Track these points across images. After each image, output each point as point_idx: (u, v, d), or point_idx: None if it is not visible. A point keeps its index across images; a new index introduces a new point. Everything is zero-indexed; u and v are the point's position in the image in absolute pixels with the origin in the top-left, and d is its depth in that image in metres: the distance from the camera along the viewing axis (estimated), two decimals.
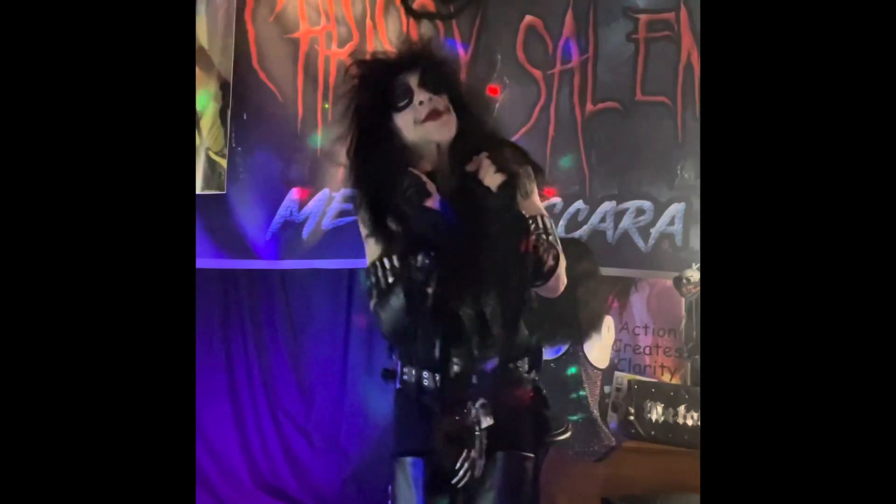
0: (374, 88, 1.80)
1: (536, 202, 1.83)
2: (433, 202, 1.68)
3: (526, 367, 1.83)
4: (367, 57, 1.88)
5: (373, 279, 1.79)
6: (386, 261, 1.77)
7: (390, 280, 1.76)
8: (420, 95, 1.76)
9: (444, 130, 1.77)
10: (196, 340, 1.46)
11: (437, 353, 1.77)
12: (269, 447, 3.48)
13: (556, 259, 1.76)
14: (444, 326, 1.76)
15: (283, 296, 3.53)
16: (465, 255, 1.69)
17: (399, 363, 1.87)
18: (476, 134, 1.79)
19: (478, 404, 1.75)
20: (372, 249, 1.81)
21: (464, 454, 1.76)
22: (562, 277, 1.81)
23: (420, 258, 1.68)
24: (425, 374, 1.80)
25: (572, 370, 2.88)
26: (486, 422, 1.75)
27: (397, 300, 1.73)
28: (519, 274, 1.72)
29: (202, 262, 3.12)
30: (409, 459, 1.81)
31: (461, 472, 1.75)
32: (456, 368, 1.77)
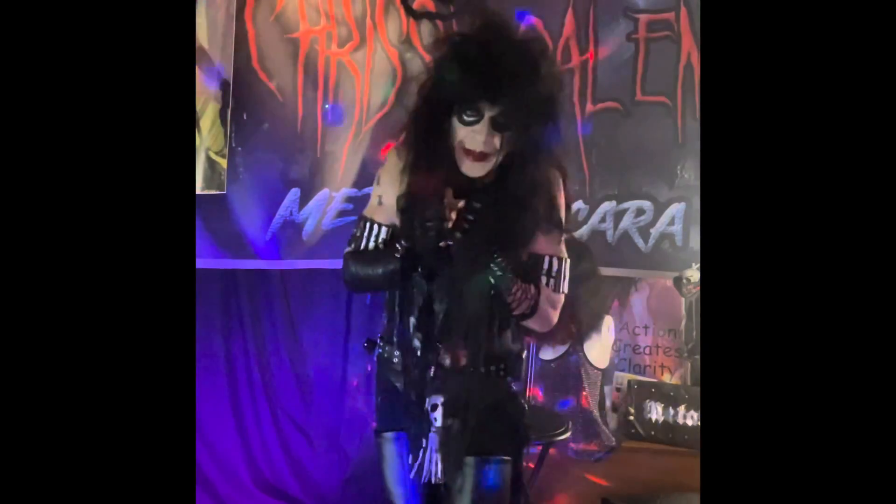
0: (448, 93, 1.72)
1: (546, 242, 1.80)
2: (446, 244, 1.67)
3: (502, 372, 1.82)
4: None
5: (359, 233, 1.83)
6: (376, 227, 1.81)
7: (372, 245, 1.81)
8: (482, 131, 1.69)
9: (476, 170, 1.73)
10: (196, 340, 1.46)
11: (406, 337, 1.79)
12: (269, 447, 3.47)
13: (533, 310, 1.75)
14: (419, 317, 1.77)
15: (283, 296, 3.52)
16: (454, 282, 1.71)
17: (379, 336, 1.89)
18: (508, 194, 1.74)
19: (436, 401, 1.75)
20: (372, 205, 1.83)
21: (421, 446, 1.76)
22: (548, 318, 1.80)
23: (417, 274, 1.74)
24: (396, 353, 1.81)
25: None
26: (442, 421, 1.74)
27: (373, 270, 1.77)
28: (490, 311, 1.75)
29: (202, 263, 3.11)
30: (391, 434, 1.84)
31: (415, 467, 1.76)
32: (420, 357, 1.77)
